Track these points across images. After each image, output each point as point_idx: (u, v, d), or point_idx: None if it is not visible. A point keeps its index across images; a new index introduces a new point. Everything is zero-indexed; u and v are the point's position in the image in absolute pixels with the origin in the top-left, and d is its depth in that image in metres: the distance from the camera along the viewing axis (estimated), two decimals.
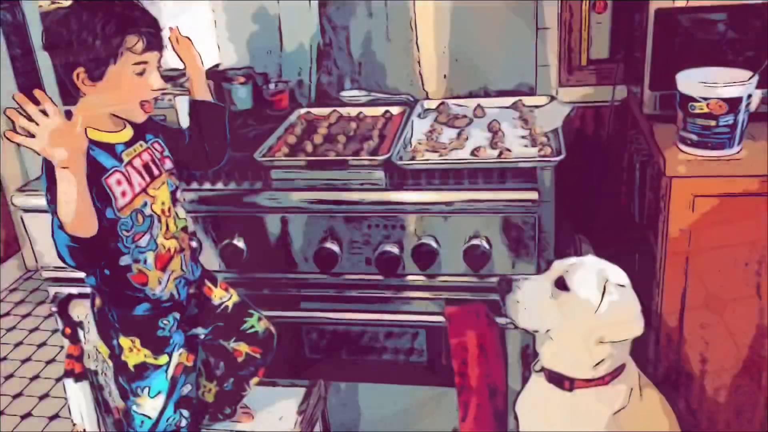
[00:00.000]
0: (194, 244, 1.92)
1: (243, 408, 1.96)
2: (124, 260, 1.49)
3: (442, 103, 2.28)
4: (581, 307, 1.52)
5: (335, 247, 1.88)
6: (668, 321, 1.96)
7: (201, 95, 1.67)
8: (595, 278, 1.53)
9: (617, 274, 1.59)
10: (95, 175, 1.40)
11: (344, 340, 2.06)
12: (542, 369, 1.70)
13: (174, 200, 1.58)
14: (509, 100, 2.28)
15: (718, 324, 1.94)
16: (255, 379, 1.86)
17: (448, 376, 1.92)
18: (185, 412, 1.65)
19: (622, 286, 1.56)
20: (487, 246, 1.82)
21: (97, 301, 1.60)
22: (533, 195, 1.78)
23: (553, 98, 2.26)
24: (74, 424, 1.89)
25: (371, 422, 2.14)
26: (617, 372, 1.62)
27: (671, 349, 1.99)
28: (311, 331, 2.06)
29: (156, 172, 1.54)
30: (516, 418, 1.80)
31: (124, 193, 1.45)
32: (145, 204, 1.49)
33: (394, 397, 2.09)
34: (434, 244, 1.84)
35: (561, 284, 1.53)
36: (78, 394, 1.84)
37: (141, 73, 1.42)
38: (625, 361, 1.63)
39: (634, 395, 1.66)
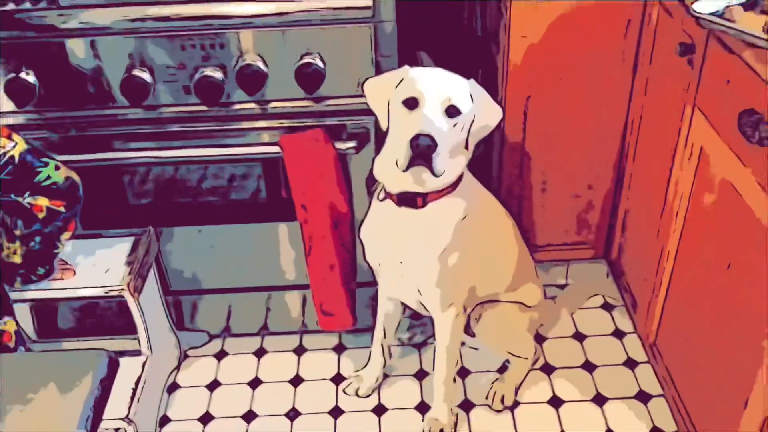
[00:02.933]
0: None
1: (62, 264, 1.75)
2: None
3: None
4: (467, 121, 1.50)
5: (145, 75, 1.62)
6: (510, 135, 1.92)
7: None
8: (466, 89, 1.51)
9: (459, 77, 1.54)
10: None
11: (172, 182, 1.85)
12: (386, 197, 1.61)
13: None
14: None
15: (560, 135, 1.92)
16: (66, 234, 1.63)
17: (289, 210, 1.79)
18: None
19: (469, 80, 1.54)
20: (320, 64, 1.64)
21: None
22: (367, 2, 1.59)
23: None
24: None
25: (214, 264, 2.00)
26: (460, 179, 1.59)
27: (513, 163, 1.97)
28: (132, 174, 1.83)
29: None
30: (362, 245, 1.74)
31: None
32: None
33: (235, 237, 1.94)
34: (261, 65, 1.63)
35: (453, 111, 1.46)
36: None
37: None
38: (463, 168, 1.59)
39: (475, 202, 1.63)
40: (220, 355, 2.12)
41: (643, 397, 1.92)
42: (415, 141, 1.41)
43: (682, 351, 1.67)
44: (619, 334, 2.12)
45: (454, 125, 1.47)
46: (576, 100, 1.86)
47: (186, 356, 2.11)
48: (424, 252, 1.60)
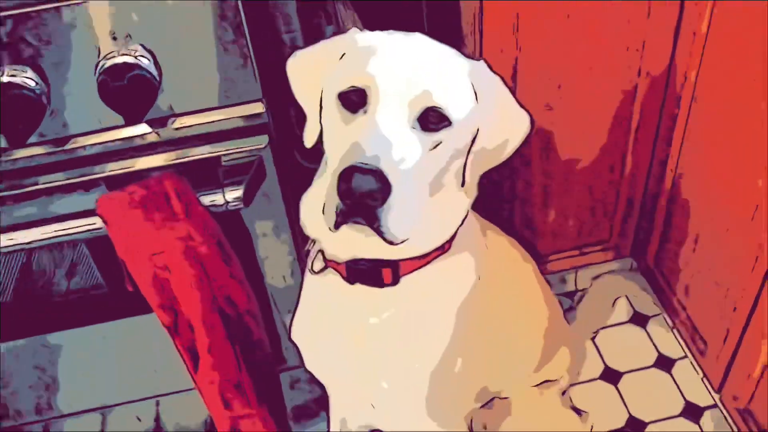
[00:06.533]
0: None
1: None
2: None
3: None
4: (462, 137, 0.79)
5: None
6: None
7: None
8: (463, 75, 0.79)
9: (454, 53, 0.82)
10: None
11: None
12: (326, 266, 0.89)
13: None
14: None
15: (568, 103, 1.22)
16: None
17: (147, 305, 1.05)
18: None
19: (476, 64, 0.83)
20: (147, 61, 0.87)
21: None
22: None
23: None
24: None
25: (67, 381, 1.26)
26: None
27: None
28: None
29: None
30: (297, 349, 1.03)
31: None
32: None
33: (86, 344, 1.20)
34: (29, 81, 0.85)
35: (435, 119, 0.76)
36: None
37: None
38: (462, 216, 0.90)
39: (484, 259, 0.95)
40: None
41: None
42: (345, 182, 0.69)
43: None
44: (665, 362, 1.49)
45: (435, 145, 0.76)
46: (587, 46, 1.16)
47: None
48: (406, 362, 0.91)
